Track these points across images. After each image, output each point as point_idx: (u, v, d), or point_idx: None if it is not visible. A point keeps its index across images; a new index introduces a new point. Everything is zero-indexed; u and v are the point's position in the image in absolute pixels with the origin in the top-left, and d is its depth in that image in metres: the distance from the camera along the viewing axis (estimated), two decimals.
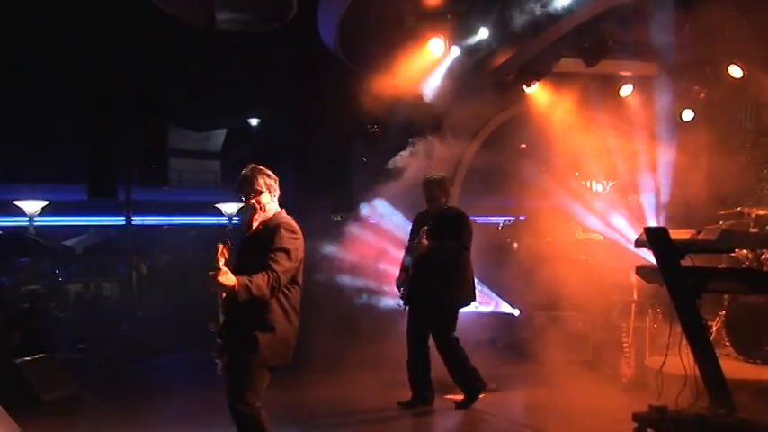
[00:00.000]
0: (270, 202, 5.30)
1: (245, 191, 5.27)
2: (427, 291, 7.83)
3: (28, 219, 27.01)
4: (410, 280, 7.92)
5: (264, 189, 5.25)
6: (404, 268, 8.12)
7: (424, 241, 7.68)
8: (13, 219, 27.23)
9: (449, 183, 8.32)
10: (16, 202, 26.75)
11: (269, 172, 5.34)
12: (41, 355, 9.51)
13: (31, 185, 26.31)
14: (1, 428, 6.56)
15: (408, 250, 8.15)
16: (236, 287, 4.77)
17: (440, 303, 7.86)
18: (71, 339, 15.25)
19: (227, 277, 4.75)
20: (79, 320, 16.81)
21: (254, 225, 5.28)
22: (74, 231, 29.57)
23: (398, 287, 8.10)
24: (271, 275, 4.91)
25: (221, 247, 4.77)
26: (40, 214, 27.28)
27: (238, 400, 5.02)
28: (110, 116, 21.19)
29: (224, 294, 4.90)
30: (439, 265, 7.75)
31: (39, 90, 24.63)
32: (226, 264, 4.77)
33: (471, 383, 8.01)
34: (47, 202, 27.19)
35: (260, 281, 4.86)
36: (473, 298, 8.18)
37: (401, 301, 8.08)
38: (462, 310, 8.12)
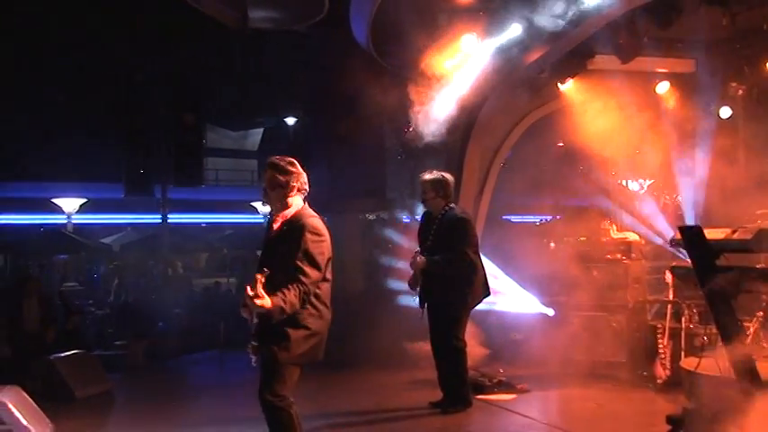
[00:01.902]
0: (289, 198, 5.17)
1: (264, 187, 5.25)
2: (434, 294, 7.72)
3: (66, 216, 27.38)
4: (421, 284, 7.80)
5: (273, 186, 5.15)
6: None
7: (419, 258, 7.59)
8: (52, 216, 27.58)
9: (447, 183, 7.89)
10: (54, 200, 27.12)
11: (284, 166, 5.17)
12: (76, 351, 9.61)
13: (68, 183, 26.61)
14: (33, 424, 6.63)
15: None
16: (272, 309, 4.78)
17: (446, 306, 7.71)
18: (107, 336, 15.43)
19: (264, 300, 4.74)
20: (116, 318, 16.95)
21: (276, 225, 5.21)
22: (111, 229, 29.93)
23: (412, 288, 7.97)
24: (300, 288, 4.89)
25: (259, 276, 4.76)
26: (78, 212, 27.63)
27: (268, 392, 5.02)
28: (147, 115, 21.41)
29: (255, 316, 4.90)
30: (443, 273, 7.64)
31: (76, 89, 24.93)
32: (264, 288, 4.76)
33: (458, 392, 7.79)
34: (84, 200, 27.52)
35: (292, 297, 4.85)
36: (485, 295, 7.96)
37: (418, 304, 7.98)
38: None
